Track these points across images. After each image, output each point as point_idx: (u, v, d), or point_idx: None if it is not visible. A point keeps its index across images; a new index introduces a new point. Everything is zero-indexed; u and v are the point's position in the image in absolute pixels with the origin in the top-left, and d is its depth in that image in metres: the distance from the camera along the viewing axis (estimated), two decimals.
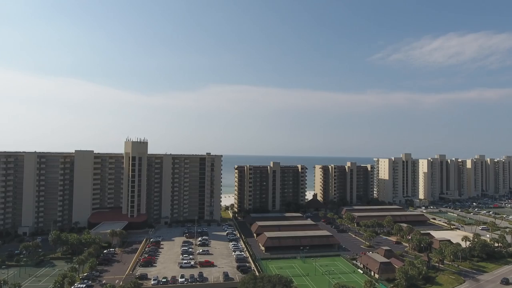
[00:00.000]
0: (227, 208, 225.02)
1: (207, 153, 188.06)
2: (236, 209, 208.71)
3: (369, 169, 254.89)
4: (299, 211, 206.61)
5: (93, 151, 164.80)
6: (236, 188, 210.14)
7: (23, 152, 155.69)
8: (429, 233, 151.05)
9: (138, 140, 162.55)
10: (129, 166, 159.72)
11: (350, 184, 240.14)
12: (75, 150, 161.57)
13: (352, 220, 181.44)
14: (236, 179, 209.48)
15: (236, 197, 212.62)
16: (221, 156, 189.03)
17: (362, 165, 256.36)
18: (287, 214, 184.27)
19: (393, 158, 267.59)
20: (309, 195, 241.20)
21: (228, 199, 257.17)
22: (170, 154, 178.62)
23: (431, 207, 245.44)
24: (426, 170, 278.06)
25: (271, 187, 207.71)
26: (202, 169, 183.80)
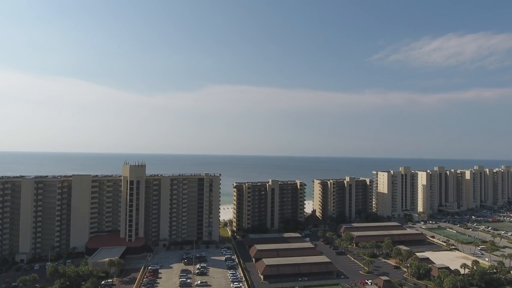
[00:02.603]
0: (225, 224, 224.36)
1: (205, 173, 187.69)
2: (235, 228, 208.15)
3: (368, 183, 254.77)
4: (298, 228, 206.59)
5: (90, 175, 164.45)
6: (235, 206, 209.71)
7: (20, 177, 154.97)
8: (428, 258, 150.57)
9: (136, 164, 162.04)
10: (127, 190, 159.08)
11: (349, 199, 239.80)
12: (73, 175, 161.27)
13: (351, 240, 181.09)
14: (235, 197, 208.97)
15: (234, 214, 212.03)
16: (220, 175, 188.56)
17: (360, 179, 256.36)
18: (286, 235, 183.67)
19: (391, 171, 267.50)
20: (308, 206, 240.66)
21: (227, 211, 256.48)
22: (168, 176, 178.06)
23: (430, 221, 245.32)
24: (425, 183, 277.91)
25: (270, 205, 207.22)
26: (200, 189, 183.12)
